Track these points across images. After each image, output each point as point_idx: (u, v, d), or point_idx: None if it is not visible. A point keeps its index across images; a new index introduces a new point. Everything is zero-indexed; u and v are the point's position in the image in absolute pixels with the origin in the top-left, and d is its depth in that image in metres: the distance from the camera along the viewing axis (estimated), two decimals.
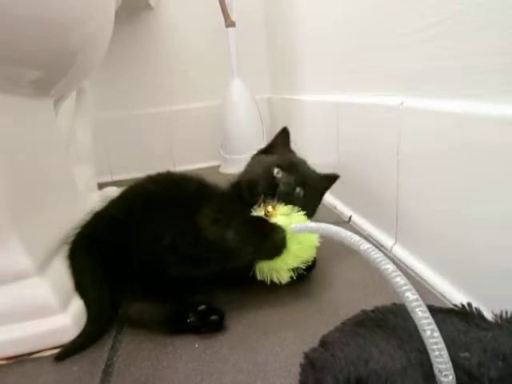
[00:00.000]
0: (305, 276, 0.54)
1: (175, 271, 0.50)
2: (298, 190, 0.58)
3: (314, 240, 0.53)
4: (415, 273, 0.54)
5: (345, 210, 0.82)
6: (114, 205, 0.58)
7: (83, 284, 0.51)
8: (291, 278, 0.53)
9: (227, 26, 1.25)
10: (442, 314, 0.37)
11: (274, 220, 0.51)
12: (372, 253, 0.35)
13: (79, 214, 0.58)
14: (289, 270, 0.52)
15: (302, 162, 0.64)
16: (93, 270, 0.51)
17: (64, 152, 0.72)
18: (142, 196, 0.57)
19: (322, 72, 0.92)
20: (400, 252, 0.59)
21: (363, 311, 0.41)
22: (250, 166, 0.65)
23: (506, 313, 0.36)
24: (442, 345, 0.29)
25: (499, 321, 0.35)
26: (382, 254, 0.35)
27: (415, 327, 0.32)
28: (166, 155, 1.44)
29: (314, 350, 0.37)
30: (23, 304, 0.46)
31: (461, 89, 0.45)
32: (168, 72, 1.40)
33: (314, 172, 0.64)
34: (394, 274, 0.33)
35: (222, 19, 1.25)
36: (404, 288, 0.31)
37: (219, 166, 1.39)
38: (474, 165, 0.42)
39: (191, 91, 1.43)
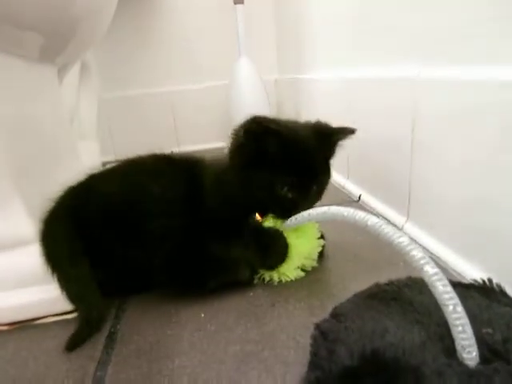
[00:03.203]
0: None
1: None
2: (313, 188, 0.49)
3: (312, 232, 0.51)
4: (428, 250, 0.52)
5: (354, 189, 0.80)
6: (106, 180, 0.51)
7: (75, 285, 0.44)
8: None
9: (235, 3, 1.21)
10: (461, 288, 0.36)
11: (266, 223, 0.49)
12: (382, 227, 0.32)
13: None
14: (294, 268, 0.50)
15: (306, 144, 0.48)
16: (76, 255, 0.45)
17: (67, 123, 0.70)
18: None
19: (333, 48, 0.89)
20: (412, 229, 0.57)
21: (377, 284, 0.39)
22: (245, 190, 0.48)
23: None
24: (465, 320, 0.27)
25: None
26: (393, 228, 0.32)
27: (432, 301, 0.30)
28: (171, 135, 1.42)
29: (325, 320, 0.35)
30: (26, 270, 0.45)
31: (482, 54, 0.42)
32: (174, 51, 1.37)
33: (319, 136, 0.50)
34: (409, 247, 0.30)
35: None
36: (422, 262, 0.29)
37: (224, 148, 1.37)
38: (492, 138, 0.40)
39: (197, 70, 1.40)
